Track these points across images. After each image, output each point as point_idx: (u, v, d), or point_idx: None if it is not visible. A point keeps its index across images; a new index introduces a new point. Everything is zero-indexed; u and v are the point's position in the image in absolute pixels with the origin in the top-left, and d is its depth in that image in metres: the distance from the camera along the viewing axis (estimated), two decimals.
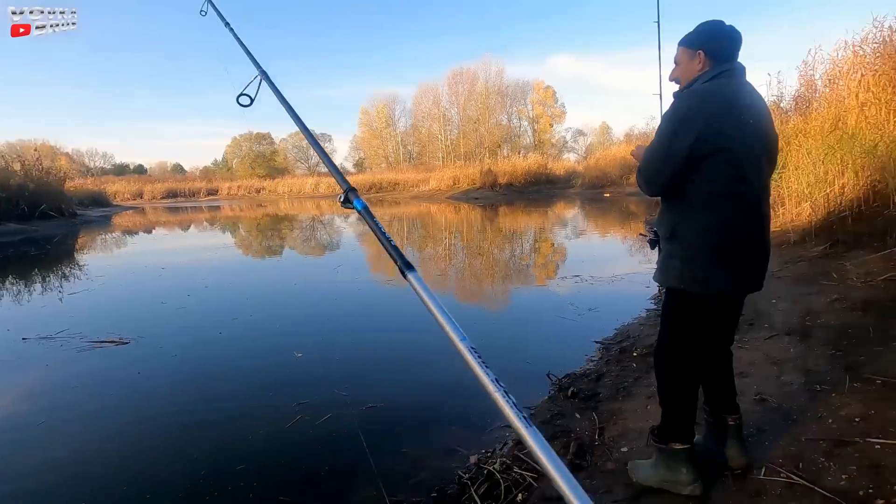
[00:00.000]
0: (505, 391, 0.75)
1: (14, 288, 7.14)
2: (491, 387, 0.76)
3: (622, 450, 2.03)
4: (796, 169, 7.62)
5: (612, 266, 6.51)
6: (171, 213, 25.62)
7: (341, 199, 1.25)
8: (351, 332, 4.52)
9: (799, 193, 7.40)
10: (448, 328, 0.85)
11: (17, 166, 17.53)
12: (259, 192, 44.02)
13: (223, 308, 5.36)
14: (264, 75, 1.65)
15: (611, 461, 1.95)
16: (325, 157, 1.41)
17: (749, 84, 1.59)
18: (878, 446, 1.64)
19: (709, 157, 1.46)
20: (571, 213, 17.51)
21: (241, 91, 1.60)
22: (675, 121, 1.50)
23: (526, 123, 48.03)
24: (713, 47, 1.57)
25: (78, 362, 3.77)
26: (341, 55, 70.40)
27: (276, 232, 15.09)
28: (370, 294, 6.00)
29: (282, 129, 55.71)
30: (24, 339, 4.36)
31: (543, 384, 3.00)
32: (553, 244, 10.00)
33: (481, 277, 7.00)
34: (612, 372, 3.04)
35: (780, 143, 8.30)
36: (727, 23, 1.61)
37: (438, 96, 45.67)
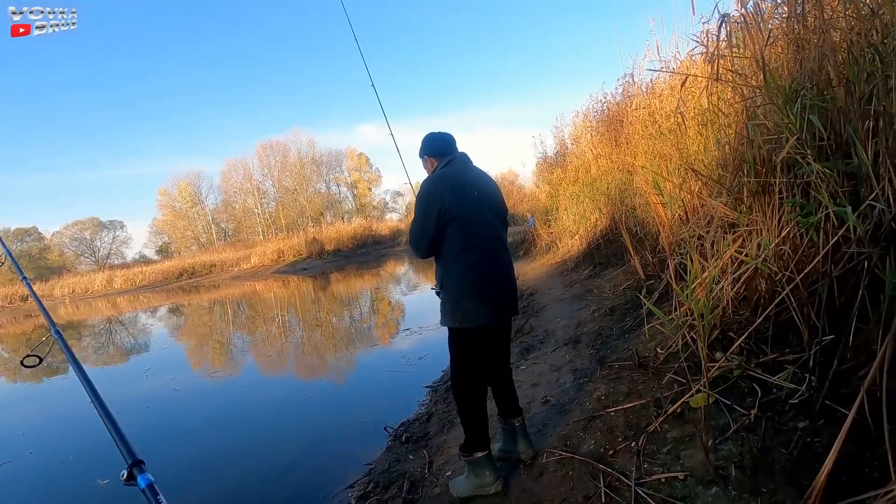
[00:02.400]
0: None
1: None
2: None
3: (447, 474, 2.32)
4: (565, 210, 9.50)
5: (437, 315, 7.10)
6: None
7: (123, 477, 0.99)
8: (173, 442, 4.05)
9: (570, 229, 9.19)
10: None
11: None
12: (27, 300, 35.61)
13: None
14: None
15: (437, 487, 2.23)
16: (108, 419, 1.13)
17: (474, 166, 2.19)
18: (612, 413, 2.25)
19: (450, 223, 1.98)
20: (401, 269, 18.36)
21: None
22: (424, 201, 2.01)
23: (345, 189, 49.17)
24: (432, 150, 2.20)
25: None
26: (118, 130, 62.69)
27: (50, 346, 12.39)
28: (194, 392, 5.43)
29: (53, 221, 46.58)
30: None
31: (381, 437, 3.19)
32: (387, 301, 10.39)
33: (318, 349, 6.92)
34: (440, 410, 3.39)
35: (552, 190, 10.14)
36: (442, 129, 2.26)
37: (249, 170, 44.11)
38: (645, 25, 6.45)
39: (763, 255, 2.06)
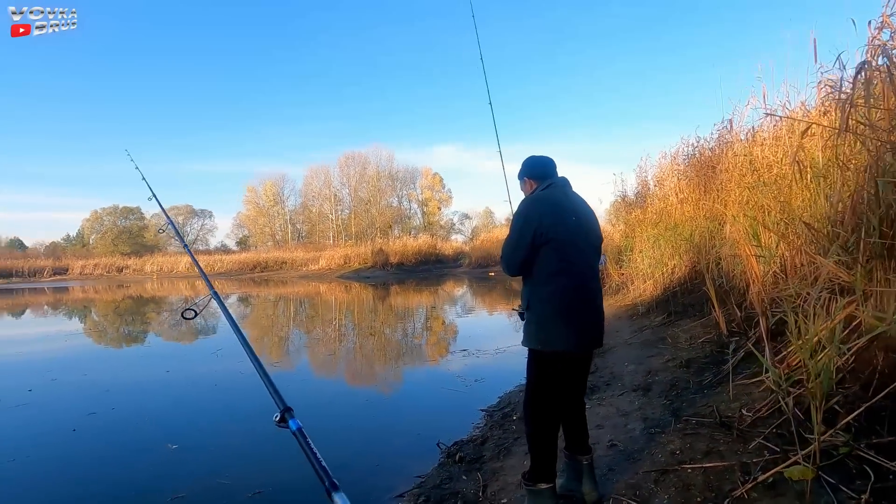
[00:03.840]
0: None
1: None
2: None
3: (502, 501, 2.25)
4: (640, 252, 9.13)
5: (496, 340, 7.02)
6: (0, 297, 21.71)
7: (276, 419, 1.19)
8: (232, 419, 4.26)
9: (644, 272, 8.81)
10: None
11: None
12: (122, 271, 39.40)
13: (76, 403, 4.72)
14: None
15: None
16: (262, 370, 1.45)
17: (573, 192, 2.16)
18: (690, 470, 2.08)
19: (545, 245, 1.96)
20: (460, 290, 18.39)
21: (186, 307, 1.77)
22: (521, 221, 2.03)
23: (416, 206, 50.45)
24: (532, 174, 2.23)
25: None
26: (223, 132, 68.95)
27: (140, 316, 13.56)
28: (253, 378, 5.71)
29: (153, 204, 51.44)
30: None
31: (434, 453, 3.16)
32: (443, 321, 10.42)
33: (374, 356, 7.05)
34: (495, 436, 3.31)
35: (628, 230, 9.82)
36: (541, 153, 2.27)
37: (329, 177, 46.49)
38: (747, 72, 6.16)
39: (891, 322, 1.86)
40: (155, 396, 4.99)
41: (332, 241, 42.18)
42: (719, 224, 6.50)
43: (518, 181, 2.34)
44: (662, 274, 7.98)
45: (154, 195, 3.22)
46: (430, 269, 30.24)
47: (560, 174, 2.21)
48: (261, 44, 67.85)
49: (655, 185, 10.89)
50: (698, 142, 8.49)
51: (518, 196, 2.34)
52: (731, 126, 6.93)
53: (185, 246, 2.74)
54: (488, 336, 7.72)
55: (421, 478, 2.82)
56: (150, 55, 65.23)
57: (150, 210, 53.50)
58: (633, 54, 66.97)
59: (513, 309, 2.22)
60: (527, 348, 2.06)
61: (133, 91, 65.68)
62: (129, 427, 4.03)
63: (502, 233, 30.14)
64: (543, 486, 1.93)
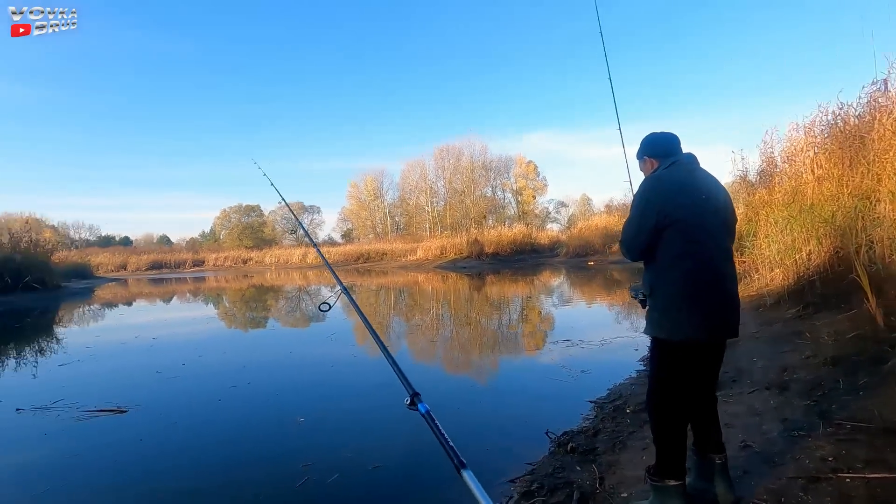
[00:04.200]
0: None
1: (1, 360, 7.03)
2: None
3: (622, 495, 2.16)
4: (766, 237, 8.17)
5: (600, 331, 6.74)
6: (154, 285, 25.39)
7: (407, 402, 1.31)
8: (353, 396, 4.59)
9: (770, 260, 7.87)
10: None
11: (4, 238, 17.62)
12: (246, 262, 44.11)
13: (219, 377, 5.38)
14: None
15: None
16: (391, 359, 1.61)
17: (701, 168, 1.98)
18: (848, 480, 1.83)
19: (669, 227, 1.83)
20: (557, 280, 17.93)
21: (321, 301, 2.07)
22: (643, 201, 1.90)
23: (510, 195, 49.97)
24: (653, 152, 2.07)
25: (76, 431, 3.76)
26: (328, 132, 73.98)
27: (264, 303, 15.10)
28: (369, 360, 6.09)
29: (271, 201, 57.06)
30: (17, 410, 4.33)
31: (542, 441, 3.13)
32: (543, 311, 10.25)
33: (477, 344, 7.14)
34: (608, 428, 3.18)
35: (750, 213, 8.87)
36: (663, 129, 2.11)
37: (425, 170, 47.66)
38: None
39: None
40: (282, 374, 5.53)
41: (428, 233, 43.36)
42: (870, 202, 5.62)
43: (637, 161, 2.19)
44: (795, 261, 7.07)
45: (282, 199, 3.59)
46: (525, 258, 29.86)
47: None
48: (356, 42, 71.43)
49: (784, 162, 9.68)
50: (841, 109, 7.38)
51: (639, 179, 2.20)
52: (886, 87, 5.92)
53: (316, 246, 3.18)
54: (592, 326, 7.44)
55: (531, 465, 2.80)
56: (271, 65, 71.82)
57: (268, 207, 59.32)
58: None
59: (632, 296, 2.09)
60: (649, 337, 1.95)
61: (254, 96, 72.95)
62: (263, 400, 4.51)
63: (601, 220, 28.80)
64: (672, 482, 1.81)
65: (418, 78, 69.66)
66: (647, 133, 2.13)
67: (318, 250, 3.04)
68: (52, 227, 46.75)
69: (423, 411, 1.26)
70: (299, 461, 3.01)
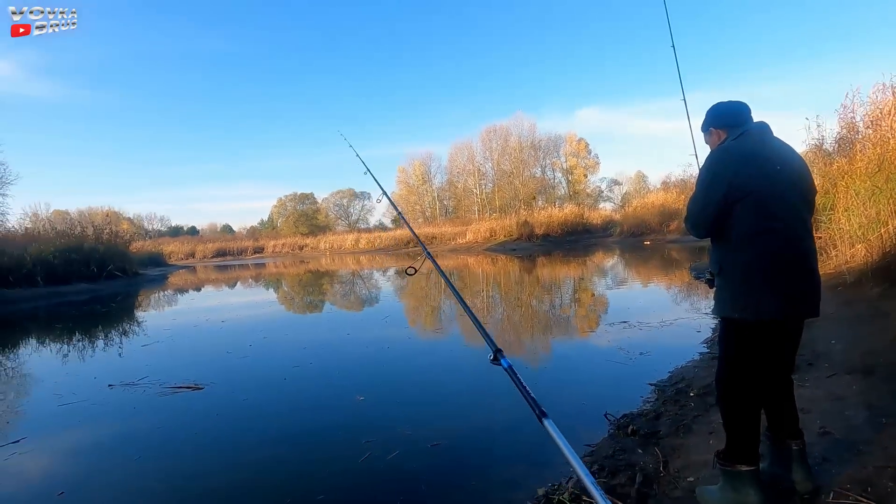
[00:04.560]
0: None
1: (92, 341, 7.75)
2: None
3: (688, 479, 2.10)
4: (846, 210, 7.51)
5: (659, 312, 6.50)
6: (220, 272, 26.98)
7: (490, 358, 1.42)
8: (408, 376, 4.72)
9: (851, 234, 7.25)
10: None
11: (89, 231, 19.26)
12: (302, 248, 45.88)
13: (283, 357, 5.67)
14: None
15: (678, 489, 2.03)
16: (474, 319, 1.72)
17: (776, 138, 1.84)
18: None
19: (741, 201, 1.71)
20: (612, 261, 17.41)
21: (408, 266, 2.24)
22: (709, 174, 1.79)
23: (560, 175, 48.77)
24: (720, 123, 1.94)
25: (160, 406, 4.11)
26: (378, 118, 74.90)
27: (321, 287, 15.68)
28: (422, 340, 6.23)
29: (323, 189, 58.79)
30: (109, 385, 4.77)
31: (601, 424, 3.08)
32: (597, 292, 10.00)
33: (527, 326, 7.10)
34: (670, 411, 3.09)
35: (826, 185, 8.17)
36: (734, 98, 1.97)
37: (473, 152, 47.28)
38: None
39: None
40: (341, 354, 5.76)
41: (477, 215, 43.22)
42: None
43: (703, 135, 2.06)
44: (880, 235, 6.47)
45: (368, 170, 3.84)
46: (577, 239, 29.17)
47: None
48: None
49: (867, 127, 8.83)
50: None
51: (705, 153, 2.07)
52: None
53: (402, 217, 3.55)
54: (650, 308, 7.19)
55: (591, 446, 2.77)
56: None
57: (320, 196, 61.19)
58: None
59: (693, 276, 1.99)
60: (713, 319, 1.85)
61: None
62: (325, 379, 4.72)
63: (658, 198, 27.53)
64: (744, 468, 1.73)
65: (466, 58, 68.83)
66: (714, 103, 2.00)
67: (404, 219, 3.49)
68: (129, 219, 50.52)
69: (505, 366, 1.35)
70: (361, 437, 3.13)
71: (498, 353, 1.40)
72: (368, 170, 3.64)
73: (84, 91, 72.86)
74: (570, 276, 13.74)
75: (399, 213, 3.47)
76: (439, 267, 2.07)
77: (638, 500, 2.02)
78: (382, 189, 3.50)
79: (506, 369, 1.34)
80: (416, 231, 39.95)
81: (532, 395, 1.23)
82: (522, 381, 1.28)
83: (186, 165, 78.71)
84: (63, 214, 36.16)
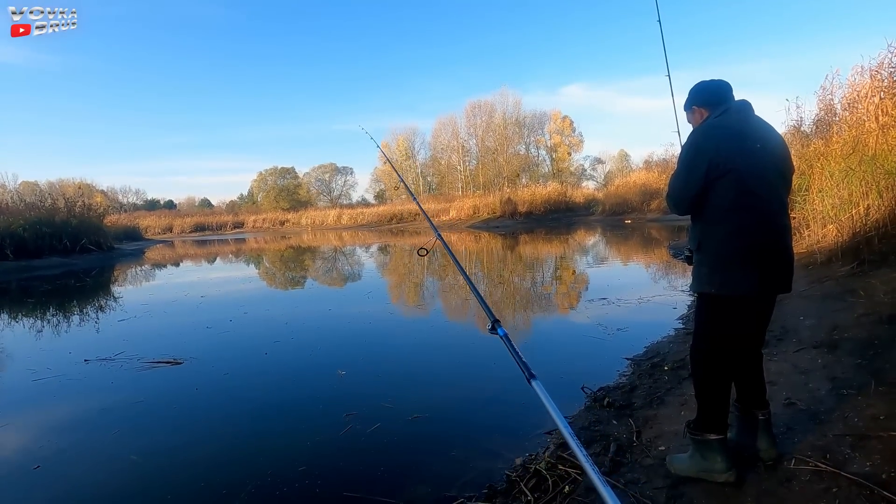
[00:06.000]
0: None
1: (66, 316, 7.59)
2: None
3: (660, 448, 2.18)
4: (820, 191, 7.68)
5: (637, 290, 6.63)
6: (199, 247, 26.49)
7: (489, 328, 1.58)
8: (389, 351, 4.75)
9: (824, 215, 7.44)
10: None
11: (60, 203, 18.63)
12: (283, 224, 45.25)
13: (264, 332, 5.64)
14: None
15: (649, 457, 2.11)
16: (475, 291, 1.94)
17: (756, 116, 1.86)
18: None
19: (721, 178, 1.74)
20: (593, 239, 17.62)
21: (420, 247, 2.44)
22: (691, 152, 1.81)
23: (544, 153, 48.75)
24: (703, 101, 1.96)
25: (139, 381, 4.06)
26: (359, 91, 73.37)
27: (302, 263, 15.55)
28: (404, 317, 6.25)
29: (304, 163, 57.79)
30: (85, 360, 4.70)
31: (578, 396, 3.16)
32: (577, 270, 10.14)
33: (509, 302, 7.18)
34: (645, 384, 3.18)
35: (803, 167, 8.28)
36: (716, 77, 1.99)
37: (457, 128, 46.82)
38: None
39: None
40: (322, 330, 5.75)
41: (460, 192, 43.08)
42: None
43: (685, 113, 2.07)
44: (851, 216, 6.66)
45: (389, 161, 4.13)
46: (559, 217, 29.39)
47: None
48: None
49: (845, 110, 8.98)
50: None
51: (687, 131, 2.08)
52: None
53: (413, 196, 3.72)
54: (629, 286, 7.32)
55: (567, 418, 2.85)
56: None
57: (301, 170, 60.10)
58: None
59: (671, 255, 2.03)
60: (687, 296, 1.90)
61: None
62: (306, 354, 4.72)
63: (640, 177, 27.80)
64: (712, 436, 1.80)
65: (450, 30, 67.37)
66: (697, 82, 2.00)
67: (415, 198, 3.51)
68: (102, 191, 48.91)
69: (501, 334, 1.52)
70: (342, 411, 3.16)
71: (495, 323, 1.56)
72: (389, 161, 3.89)
73: (49, 56, 69.47)
74: (551, 253, 13.88)
75: (416, 201, 3.60)
76: (449, 248, 2.31)
77: (612, 468, 2.09)
78: (401, 178, 3.65)
79: (501, 337, 1.50)
80: (400, 207, 39.85)
81: (523, 359, 1.37)
82: (516, 347, 1.42)
83: (161, 136, 76.40)
84: (32, 186, 34.90)
